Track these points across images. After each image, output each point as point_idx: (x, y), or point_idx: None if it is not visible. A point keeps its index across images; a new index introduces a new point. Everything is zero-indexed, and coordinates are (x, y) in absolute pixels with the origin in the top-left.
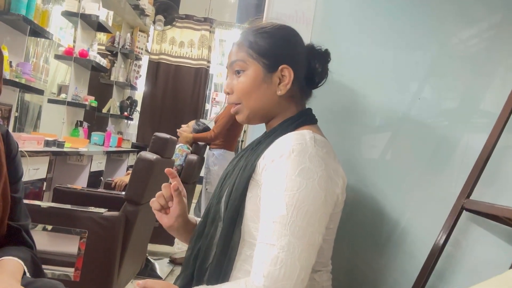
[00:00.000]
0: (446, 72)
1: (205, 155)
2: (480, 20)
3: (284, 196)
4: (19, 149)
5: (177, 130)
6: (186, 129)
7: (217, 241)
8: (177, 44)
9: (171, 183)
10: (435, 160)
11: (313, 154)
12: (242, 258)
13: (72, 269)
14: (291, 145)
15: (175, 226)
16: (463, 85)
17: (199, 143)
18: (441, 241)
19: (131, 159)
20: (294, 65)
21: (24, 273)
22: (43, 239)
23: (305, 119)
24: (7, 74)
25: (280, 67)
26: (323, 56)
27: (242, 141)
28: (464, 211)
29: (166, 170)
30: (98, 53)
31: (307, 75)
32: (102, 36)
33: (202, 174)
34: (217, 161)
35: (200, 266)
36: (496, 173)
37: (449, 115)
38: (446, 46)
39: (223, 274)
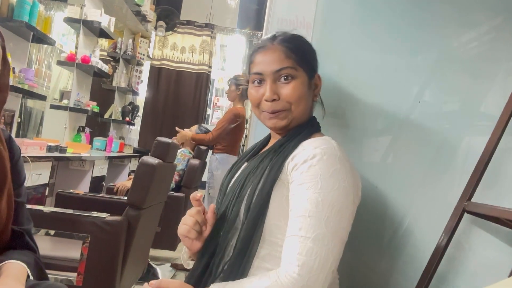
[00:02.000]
0: (447, 75)
1: (207, 160)
2: (480, 23)
3: (319, 194)
4: (22, 154)
5: (176, 128)
6: (189, 133)
7: (237, 238)
8: (179, 49)
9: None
10: (436, 163)
11: (341, 158)
12: (261, 256)
13: (75, 274)
14: (322, 148)
15: None
16: (464, 88)
17: (201, 147)
18: (443, 244)
19: (133, 164)
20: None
21: (28, 276)
22: (46, 244)
23: (316, 125)
24: (10, 80)
25: (315, 75)
26: None
27: (243, 145)
28: (465, 213)
29: (193, 198)
30: (100, 59)
31: None
32: (104, 42)
33: (204, 179)
34: (220, 165)
35: (218, 263)
36: (497, 175)
37: (450, 118)
38: (446, 50)
39: (241, 271)
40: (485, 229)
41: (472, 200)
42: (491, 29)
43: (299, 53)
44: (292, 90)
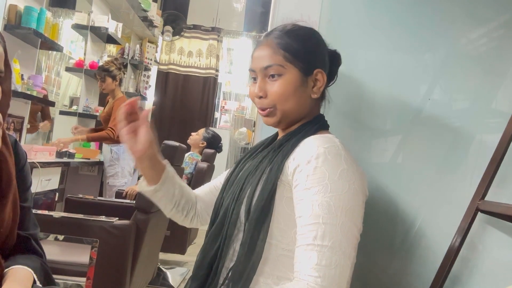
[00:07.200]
0: (456, 72)
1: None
2: (489, 19)
3: (330, 198)
4: (30, 160)
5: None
6: (196, 137)
7: (241, 243)
8: (186, 54)
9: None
10: (448, 162)
11: (346, 157)
12: (269, 262)
13: (84, 279)
14: (325, 147)
15: (149, 152)
16: (474, 85)
17: (209, 150)
18: (456, 244)
19: None
20: (325, 69)
21: (34, 282)
22: (55, 249)
23: (322, 123)
24: (18, 87)
25: (315, 71)
26: (339, 59)
27: (247, 144)
28: (479, 212)
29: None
30: None
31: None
32: (111, 48)
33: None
34: (116, 155)
35: (220, 269)
36: (511, 173)
37: (461, 115)
38: (455, 47)
39: (245, 277)
40: (500, 229)
41: (486, 199)
42: (500, 25)
43: (291, 49)
44: (276, 88)
